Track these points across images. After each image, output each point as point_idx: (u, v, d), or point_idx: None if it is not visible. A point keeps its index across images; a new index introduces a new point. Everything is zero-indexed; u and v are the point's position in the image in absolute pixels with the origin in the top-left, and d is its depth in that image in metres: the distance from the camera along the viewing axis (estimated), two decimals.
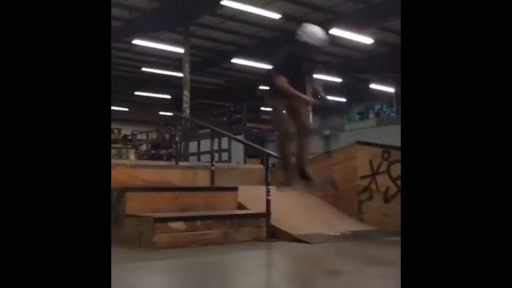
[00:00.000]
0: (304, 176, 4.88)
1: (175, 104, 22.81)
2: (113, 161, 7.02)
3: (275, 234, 5.00)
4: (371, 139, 7.01)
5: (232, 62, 20.44)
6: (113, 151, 11.05)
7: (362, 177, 5.93)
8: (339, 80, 24.26)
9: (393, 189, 5.60)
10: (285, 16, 16.62)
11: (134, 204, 4.86)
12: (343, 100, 27.89)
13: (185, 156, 14.89)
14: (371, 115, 24.08)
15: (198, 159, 15.06)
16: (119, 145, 14.80)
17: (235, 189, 5.66)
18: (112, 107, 27.70)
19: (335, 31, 16.87)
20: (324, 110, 26.30)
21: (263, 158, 6.75)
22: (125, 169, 5.65)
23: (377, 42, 18.78)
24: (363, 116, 25.56)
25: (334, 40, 18.25)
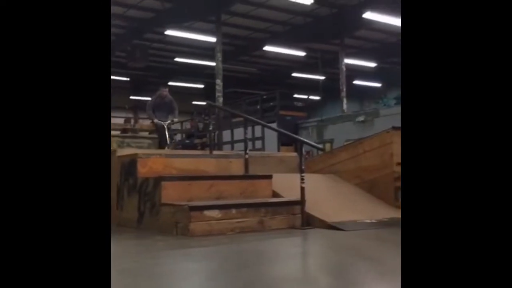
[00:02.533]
0: None
1: (208, 93, 23.00)
2: (148, 151, 7.15)
3: (310, 222, 4.98)
4: None
5: (264, 50, 20.35)
6: (148, 141, 11.23)
7: (399, 164, 5.81)
8: (373, 65, 23.79)
9: None
10: (317, 1, 16.35)
11: (169, 193, 4.94)
12: (378, 85, 27.38)
13: (219, 145, 15.01)
14: None
15: (232, 148, 15.16)
16: (154, 135, 15.02)
17: (269, 177, 5.66)
18: (147, 98, 28.19)
19: (368, 15, 16.50)
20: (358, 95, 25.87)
21: (297, 145, 6.72)
22: (160, 158, 5.73)
23: None
24: (399, 101, 25.01)
25: (367, 24, 17.89)
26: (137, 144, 10.53)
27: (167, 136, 9.45)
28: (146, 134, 15.52)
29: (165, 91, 9.70)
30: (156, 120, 9.44)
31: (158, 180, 5.04)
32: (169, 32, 18.01)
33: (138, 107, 27.70)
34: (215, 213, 4.60)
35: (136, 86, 27.14)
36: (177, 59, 22.82)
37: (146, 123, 22.73)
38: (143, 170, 5.42)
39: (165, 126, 9.39)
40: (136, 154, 5.63)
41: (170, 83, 26.41)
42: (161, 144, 9.67)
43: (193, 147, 17.08)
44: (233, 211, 4.72)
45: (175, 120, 10.05)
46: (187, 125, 20.95)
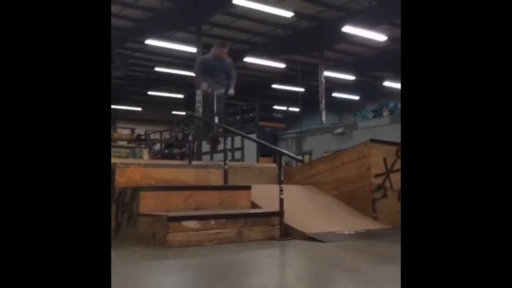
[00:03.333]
0: None
1: (188, 104, 22.93)
2: (126, 161, 7.07)
3: (288, 233, 4.99)
4: (385, 137, 6.96)
5: (244, 61, 20.47)
6: (127, 151, 11.12)
7: (376, 175, 5.89)
8: (352, 77, 24.12)
9: None
10: (297, 14, 16.56)
11: (148, 203, 4.89)
12: (356, 97, 27.73)
13: (198, 155, 14.94)
14: (385, 113, 23.89)
15: (211, 158, 15.11)
16: (133, 145, 14.90)
17: (248, 188, 5.67)
18: (126, 107, 27.98)
19: (347, 29, 16.77)
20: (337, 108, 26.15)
21: (276, 156, 6.74)
22: (139, 168, 5.68)
23: (390, 39, 18.62)
24: (377, 114, 25.37)
25: (346, 37, 18.16)
26: (115, 153, 10.41)
27: (215, 109, 7.12)
28: (124, 143, 15.38)
29: (223, 51, 7.14)
30: (204, 86, 7.06)
31: (136, 190, 4.99)
32: (149, 41, 17.97)
33: (117, 116, 27.46)
34: (193, 224, 4.57)
35: (115, 95, 26.90)
36: (157, 69, 22.75)
37: (125, 132, 22.55)
38: (121, 180, 5.36)
39: (216, 97, 7.08)
40: (114, 164, 5.57)
41: (150, 93, 26.40)
42: (206, 130, 7.60)
43: (173, 157, 16.97)
44: (212, 222, 4.70)
45: (232, 92, 7.14)
46: (167, 135, 20.84)
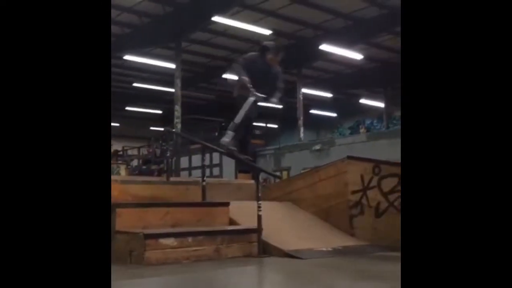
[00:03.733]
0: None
1: (166, 119, 22.83)
2: None
3: (266, 250, 4.97)
4: (362, 154, 7.05)
5: (223, 78, 20.55)
6: None
7: (353, 192, 5.94)
8: (329, 95, 24.45)
9: (384, 204, 5.62)
10: (276, 32, 16.77)
11: (124, 220, 4.82)
12: (334, 115, 28.07)
13: (177, 171, 14.82)
14: (362, 130, 24.25)
15: (190, 174, 15.00)
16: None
17: (226, 204, 5.64)
18: None
19: (325, 47, 17.05)
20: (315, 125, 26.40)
21: (254, 173, 6.74)
22: (116, 184, 5.60)
23: (366, 57, 19.01)
24: (354, 130, 25.70)
25: (324, 55, 18.45)
26: None
27: (243, 115, 5.90)
28: None
29: (275, 58, 6.18)
30: (245, 80, 5.90)
31: (113, 206, 4.91)
32: (128, 57, 17.90)
33: None
34: (170, 241, 4.52)
35: None
36: (136, 84, 22.64)
37: None
38: None
39: (251, 101, 5.92)
40: None
41: (128, 108, 26.18)
42: (237, 134, 6.06)
43: (150, 173, 16.79)
44: (189, 239, 4.65)
45: (275, 101, 6.16)
46: (145, 151, 20.63)
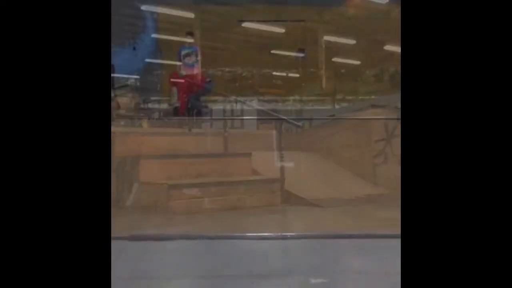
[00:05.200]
0: None
1: None
2: (125, 129, 7.05)
3: (289, 199, 5.01)
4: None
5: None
6: (126, 119, 11.06)
7: (377, 141, 5.87)
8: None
9: None
10: None
11: (148, 171, 4.89)
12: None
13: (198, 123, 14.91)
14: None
15: (211, 126, 15.08)
16: (131, 113, 14.83)
17: (248, 155, 5.65)
18: (125, 75, 27.74)
19: None
20: None
21: (276, 123, 6.70)
22: (138, 137, 5.65)
23: None
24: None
25: None
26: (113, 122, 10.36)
27: None
28: (123, 112, 15.30)
29: None
30: None
31: (137, 159, 4.97)
32: (145, 7, 17.61)
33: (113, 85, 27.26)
34: (194, 191, 4.58)
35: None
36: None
37: (124, 100, 22.42)
38: (121, 149, 5.34)
39: None
40: (113, 133, 5.54)
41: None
42: None
43: (172, 125, 16.90)
44: (212, 189, 4.71)
45: None
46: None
